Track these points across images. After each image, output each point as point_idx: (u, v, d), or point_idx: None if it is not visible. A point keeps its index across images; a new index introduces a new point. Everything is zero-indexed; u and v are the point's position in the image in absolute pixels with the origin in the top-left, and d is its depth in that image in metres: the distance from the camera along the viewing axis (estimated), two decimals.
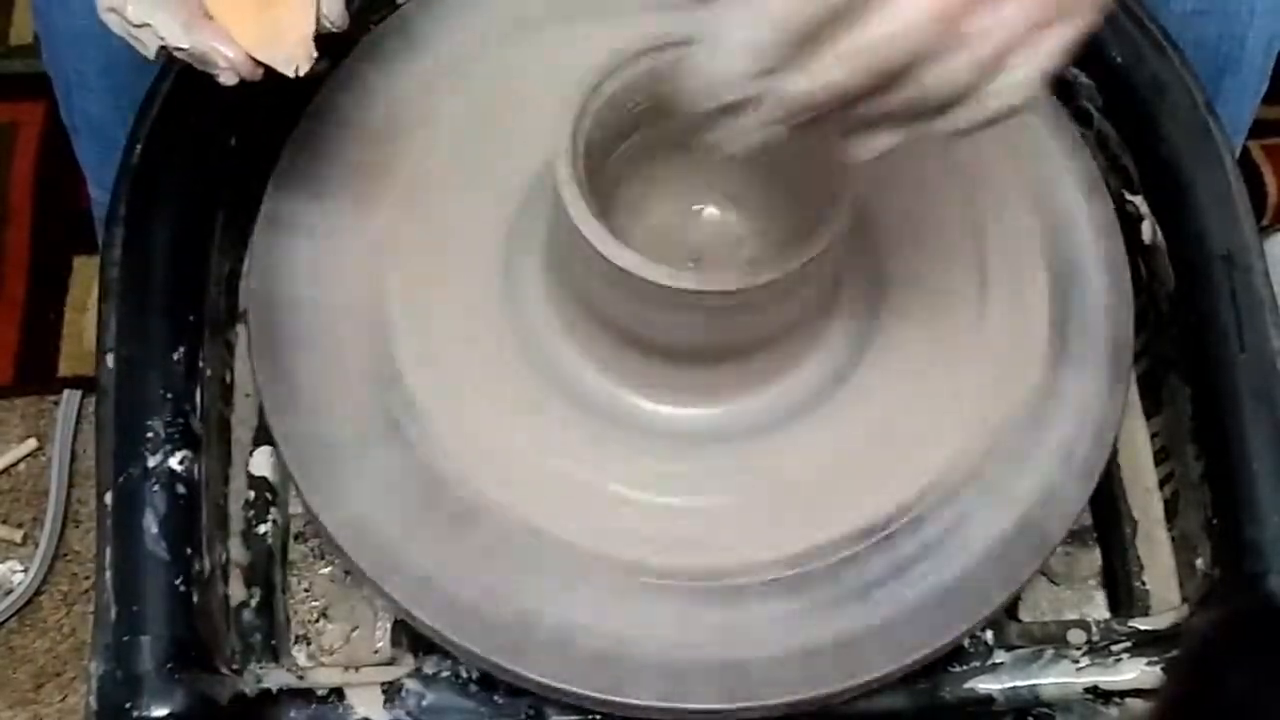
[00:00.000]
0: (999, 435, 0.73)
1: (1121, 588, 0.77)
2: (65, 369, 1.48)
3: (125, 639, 0.66)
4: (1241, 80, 0.93)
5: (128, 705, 0.65)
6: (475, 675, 0.70)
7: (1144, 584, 0.76)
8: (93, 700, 0.65)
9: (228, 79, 0.68)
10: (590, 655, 0.68)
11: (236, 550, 0.72)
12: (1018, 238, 0.78)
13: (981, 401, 0.74)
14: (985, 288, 0.77)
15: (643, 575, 0.69)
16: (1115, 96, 0.81)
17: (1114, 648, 0.72)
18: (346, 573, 0.74)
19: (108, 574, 0.67)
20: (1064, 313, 0.76)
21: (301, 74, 0.69)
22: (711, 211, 0.78)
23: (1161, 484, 0.77)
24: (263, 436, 0.75)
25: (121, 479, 0.69)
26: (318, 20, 0.69)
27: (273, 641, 0.71)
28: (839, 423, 0.73)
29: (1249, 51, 0.92)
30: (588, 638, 0.68)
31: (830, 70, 0.51)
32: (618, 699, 0.67)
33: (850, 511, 0.71)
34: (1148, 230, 0.79)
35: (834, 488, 0.72)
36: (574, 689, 0.67)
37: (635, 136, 0.74)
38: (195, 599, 0.67)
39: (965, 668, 0.71)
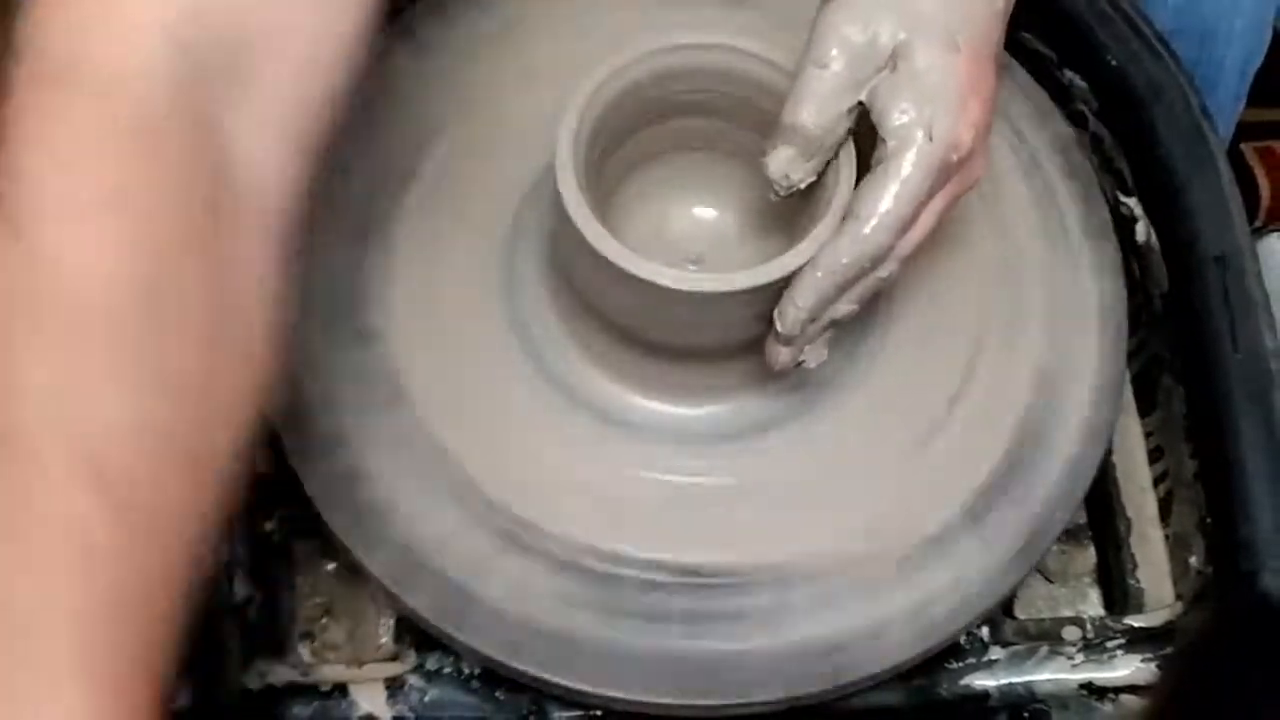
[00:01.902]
0: (998, 434, 0.74)
1: (1116, 585, 0.77)
2: None
3: None
4: (1218, 99, 0.94)
5: None
6: (477, 671, 0.70)
7: (1138, 581, 0.76)
8: None
9: None
10: (587, 649, 0.69)
11: (241, 548, 0.73)
12: (1016, 238, 0.79)
13: (979, 400, 0.75)
14: (983, 286, 0.78)
15: (635, 570, 0.70)
16: (1110, 100, 0.82)
17: (1109, 644, 0.73)
18: (350, 570, 0.74)
19: None
20: (1060, 313, 0.77)
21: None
22: (710, 213, 0.78)
23: (1156, 483, 0.78)
24: (267, 435, 0.75)
25: None
26: None
27: (277, 638, 0.72)
28: (837, 422, 0.74)
29: (1226, 71, 0.93)
30: (578, 630, 0.69)
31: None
32: (617, 694, 0.68)
33: (848, 511, 0.72)
34: (1142, 231, 0.80)
35: (832, 487, 0.72)
36: (566, 683, 0.68)
37: (635, 138, 0.75)
38: (200, 596, 0.67)
39: (961, 664, 0.72)
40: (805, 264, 0.66)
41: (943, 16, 0.66)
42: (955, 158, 0.65)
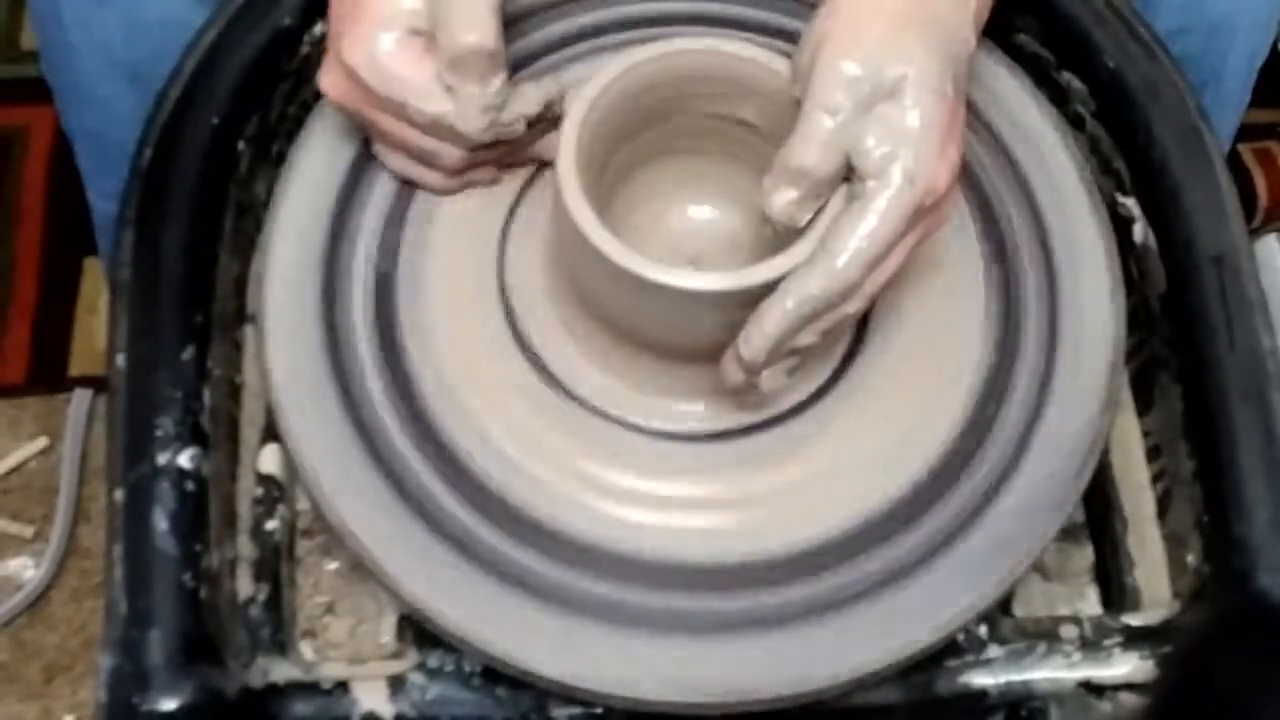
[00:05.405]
0: (994, 430, 0.74)
1: (1114, 583, 0.77)
2: (76, 368, 1.50)
3: (135, 634, 0.66)
4: (1224, 95, 0.94)
5: (136, 699, 0.65)
6: (479, 669, 0.71)
7: (1136, 580, 0.76)
8: (102, 694, 0.65)
9: None
10: (590, 647, 0.69)
11: (244, 546, 0.73)
12: (1013, 237, 0.79)
13: (975, 397, 0.75)
14: (980, 286, 0.78)
15: (637, 568, 0.70)
16: (1107, 101, 0.82)
17: (1106, 642, 0.73)
18: (353, 568, 0.75)
19: (118, 570, 0.67)
20: (1056, 312, 0.78)
21: None
22: (709, 213, 0.79)
23: (1153, 481, 0.78)
24: (270, 435, 0.76)
25: (131, 476, 0.69)
26: None
27: (280, 636, 0.72)
28: (834, 420, 0.74)
29: (1231, 67, 0.93)
30: (583, 632, 0.69)
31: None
32: (620, 693, 0.68)
33: (846, 507, 0.72)
34: (1139, 232, 0.80)
35: (830, 485, 0.73)
36: (568, 680, 0.68)
37: (638, 138, 0.75)
38: (204, 594, 0.68)
39: (959, 662, 0.72)
40: (774, 293, 0.66)
41: (935, 60, 0.67)
42: (930, 202, 0.66)
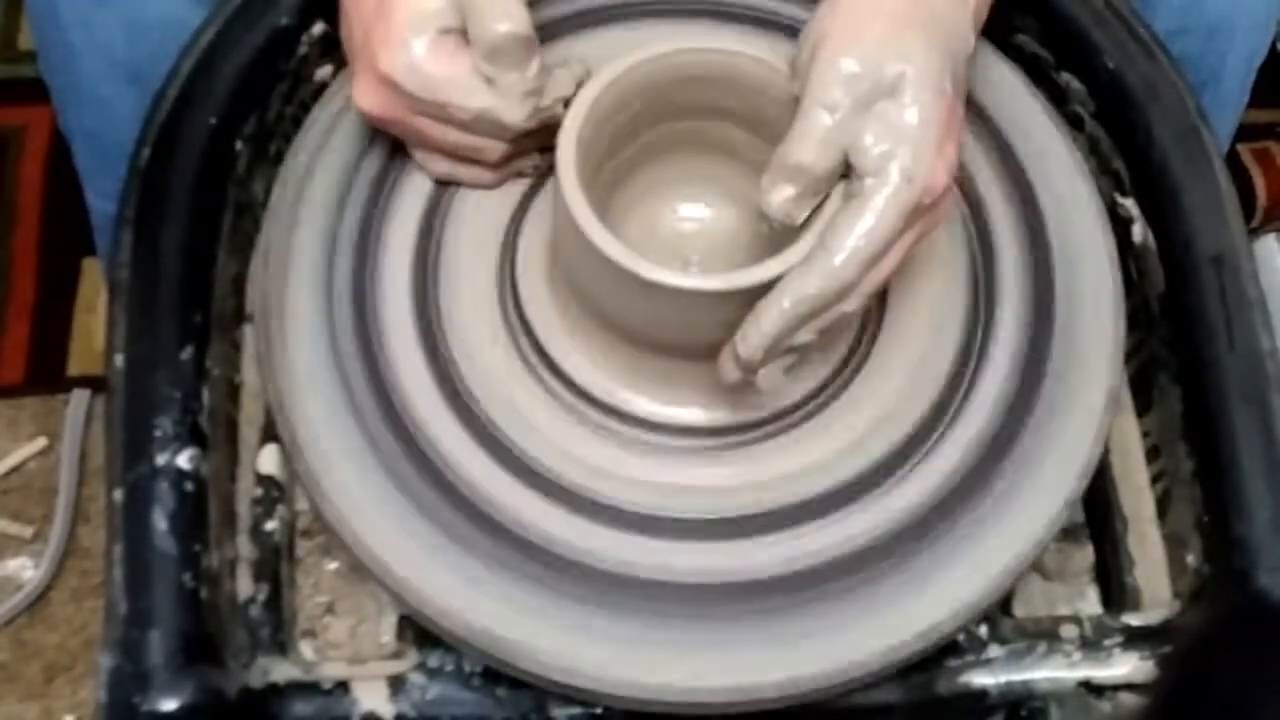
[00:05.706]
0: (995, 431, 0.74)
1: (1114, 583, 0.77)
2: (75, 368, 1.50)
3: (134, 634, 0.66)
4: (1222, 95, 0.95)
5: (136, 699, 0.65)
6: (479, 669, 0.71)
7: (1135, 580, 0.76)
8: (102, 694, 0.65)
9: None
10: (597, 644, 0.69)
11: (244, 547, 0.73)
12: (1014, 237, 0.79)
13: (977, 397, 0.75)
14: (982, 286, 0.78)
15: (641, 571, 0.70)
16: (1107, 101, 0.82)
17: (1106, 642, 0.73)
18: (353, 568, 0.75)
19: (117, 570, 0.67)
20: (1056, 312, 0.77)
21: None
22: (707, 211, 0.79)
23: (1153, 481, 0.78)
24: (269, 435, 0.76)
25: (130, 476, 0.69)
26: None
27: (280, 636, 0.72)
28: (835, 424, 0.74)
29: (1230, 68, 0.94)
30: (588, 627, 0.69)
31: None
32: (624, 694, 0.68)
33: (842, 514, 0.72)
34: (1139, 232, 0.80)
35: (828, 490, 0.73)
36: (567, 680, 0.68)
37: (638, 139, 0.75)
38: (203, 594, 0.68)
39: (959, 661, 0.72)
40: (772, 291, 0.66)
41: (935, 58, 0.67)
42: (929, 200, 0.67)
